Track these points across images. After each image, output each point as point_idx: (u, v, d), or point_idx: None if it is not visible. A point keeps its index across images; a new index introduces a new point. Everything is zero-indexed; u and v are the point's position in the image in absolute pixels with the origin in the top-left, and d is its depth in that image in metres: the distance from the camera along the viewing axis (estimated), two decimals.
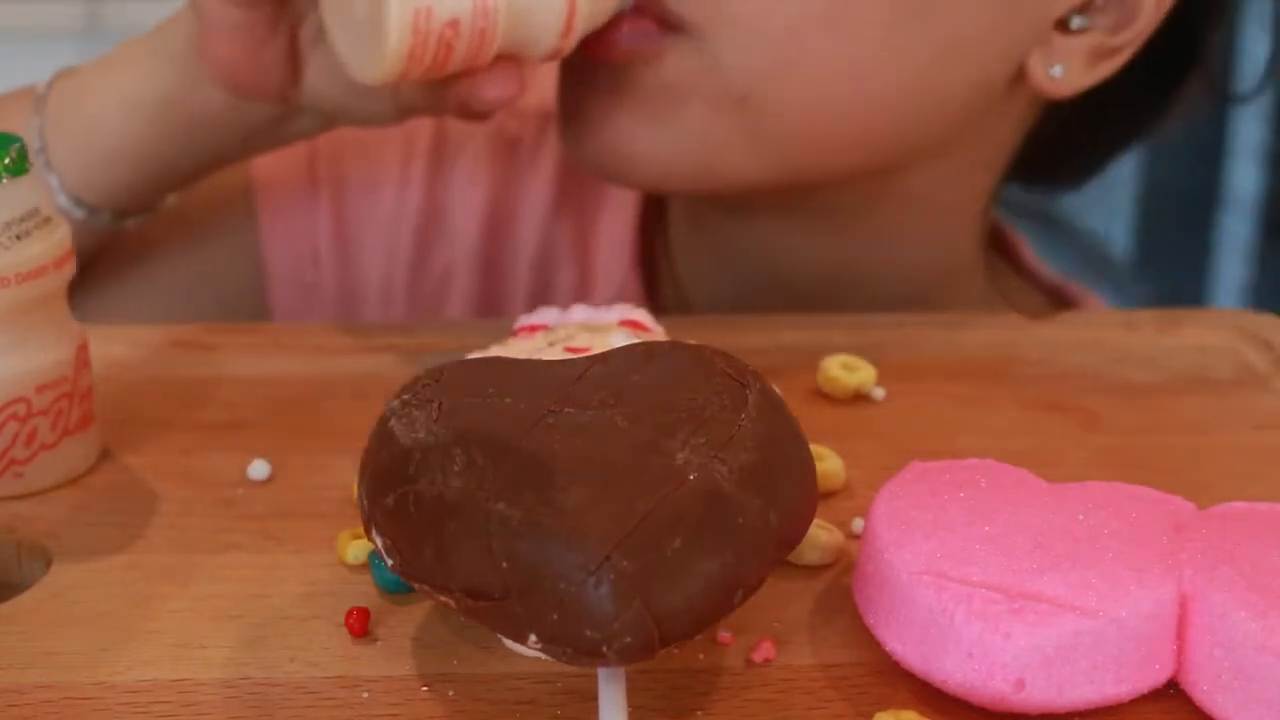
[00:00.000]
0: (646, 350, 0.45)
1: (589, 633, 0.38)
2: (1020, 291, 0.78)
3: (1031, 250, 0.81)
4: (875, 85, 0.63)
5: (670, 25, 0.61)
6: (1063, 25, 0.65)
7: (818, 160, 0.65)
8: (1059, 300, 0.79)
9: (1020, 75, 0.65)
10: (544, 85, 0.80)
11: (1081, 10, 0.65)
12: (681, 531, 0.39)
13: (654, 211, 0.79)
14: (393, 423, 0.42)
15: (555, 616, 0.38)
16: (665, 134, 0.63)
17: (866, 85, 0.63)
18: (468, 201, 0.79)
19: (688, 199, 0.76)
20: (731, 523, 0.39)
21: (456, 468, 0.40)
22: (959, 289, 0.74)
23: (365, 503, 0.42)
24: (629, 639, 0.38)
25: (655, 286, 0.77)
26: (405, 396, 0.43)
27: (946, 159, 0.69)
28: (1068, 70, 0.65)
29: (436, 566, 0.40)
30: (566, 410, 0.42)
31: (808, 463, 0.43)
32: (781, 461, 0.42)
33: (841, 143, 0.65)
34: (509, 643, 0.44)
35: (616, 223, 0.78)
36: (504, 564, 0.39)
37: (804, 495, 0.42)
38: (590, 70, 0.64)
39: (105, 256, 0.73)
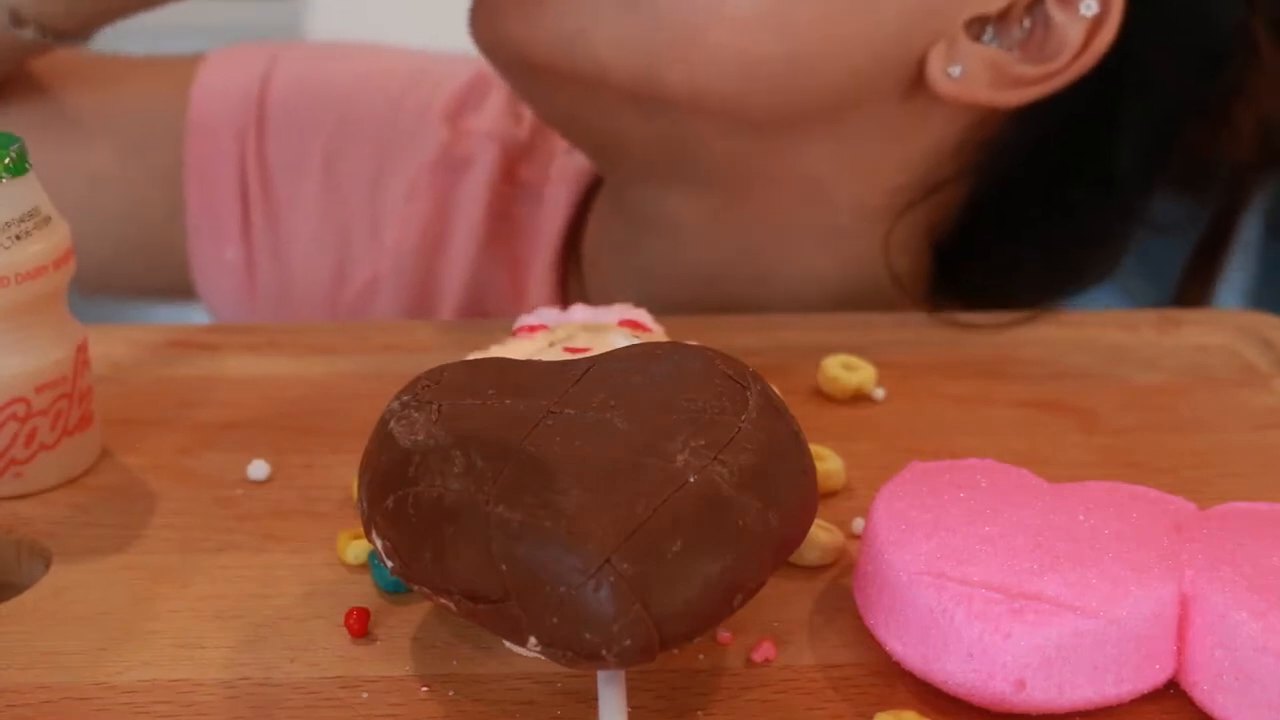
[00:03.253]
0: (646, 351, 0.45)
1: (588, 635, 0.38)
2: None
3: None
4: (765, 20, 0.62)
5: None
6: (975, 31, 0.64)
7: (681, 70, 0.63)
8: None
9: (923, 77, 0.64)
10: (494, 112, 0.79)
11: (998, 24, 0.64)
12: (681, 534, 0.38)
13: (572, 238, 0.79)
14: (392, 425, 0.42)
15: (555, 619, 0.38)
16: None
17: (753, 11, 0.62)
18: (406, 216, 0.78)
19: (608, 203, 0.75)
20: (731, 525, 0.39)
21: (456, 470, 0.40)
22: (884, 304, 0.71)
23: (365, 505, 0.42)
24: (628, 641, 0.38)
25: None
26: (405, 398, 0.43)
27: (840, 148, 0.67)
28: (966, 76, 0.63)
29: (436, 569, 0.40)
30: (566, 411, 0.42)
31: (808, 465, 0.43)
32: (781, 463, 0.42)
33: (711, 66, 0.63)
34: (508, 644, 0.44)
35: (545, 252, 0.78)
36: (503, 567, 0.39)
37: (804, 497, 0.42)
38: None
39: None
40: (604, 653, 0.38)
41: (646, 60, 0.63)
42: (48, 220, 0.51)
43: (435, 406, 0.42)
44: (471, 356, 0.48)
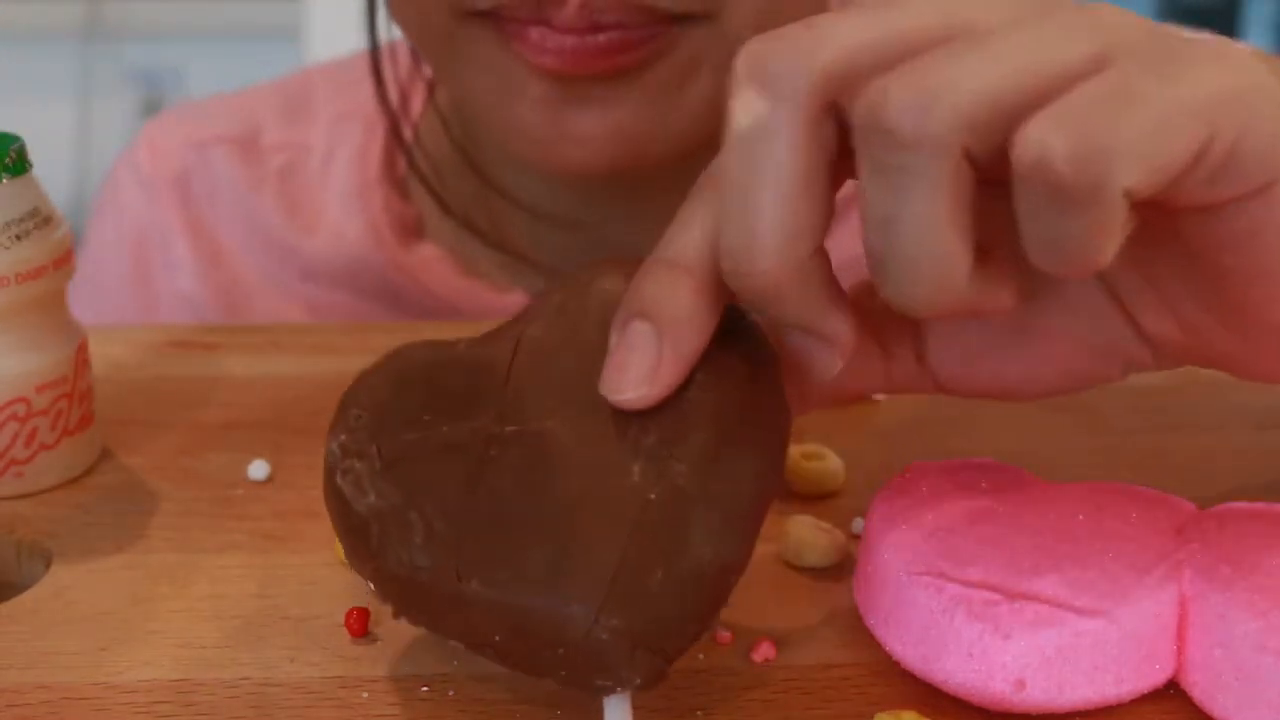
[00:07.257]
0: (559, 309, 0.43)
1: (599, 680, 0.38)
2: None
3: None
4: None
5: (678, 18, 0.62)
6: None
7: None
8: None
9: None
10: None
11: None
12: (659, 562, 0.38)
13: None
14: (339, 481, 0.40)
15: (563, 673, 0.39)
16: (677, 108, 0.64)
17: None
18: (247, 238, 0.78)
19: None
20: (706, 523, 0.39)
21: (418, 540, 0.39)
22: None
23: (353, 566, 0.41)
24: (639, 680, 0.38)
25: None
26: (342, 438, 0.41)
27: None
28: None
29: (435, 630, 0.40)
30: (508, 430, 0.40)
31: (769, 402, 0.41)
32: (742, 419, 0.40)
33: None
34: None
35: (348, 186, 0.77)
36: (496, 638, 0.39)
37: (777, 437, 0.41)
38: (571, 83, 0.63)
39: None
40: (618, 690, 0.39)
41: None
42: (48, 220, 0.52)
43: (375, 450, 0.40)
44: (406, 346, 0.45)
